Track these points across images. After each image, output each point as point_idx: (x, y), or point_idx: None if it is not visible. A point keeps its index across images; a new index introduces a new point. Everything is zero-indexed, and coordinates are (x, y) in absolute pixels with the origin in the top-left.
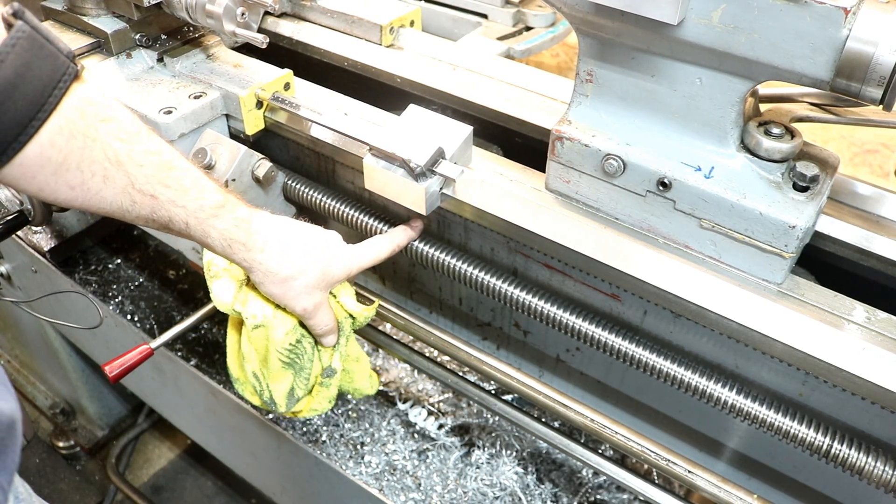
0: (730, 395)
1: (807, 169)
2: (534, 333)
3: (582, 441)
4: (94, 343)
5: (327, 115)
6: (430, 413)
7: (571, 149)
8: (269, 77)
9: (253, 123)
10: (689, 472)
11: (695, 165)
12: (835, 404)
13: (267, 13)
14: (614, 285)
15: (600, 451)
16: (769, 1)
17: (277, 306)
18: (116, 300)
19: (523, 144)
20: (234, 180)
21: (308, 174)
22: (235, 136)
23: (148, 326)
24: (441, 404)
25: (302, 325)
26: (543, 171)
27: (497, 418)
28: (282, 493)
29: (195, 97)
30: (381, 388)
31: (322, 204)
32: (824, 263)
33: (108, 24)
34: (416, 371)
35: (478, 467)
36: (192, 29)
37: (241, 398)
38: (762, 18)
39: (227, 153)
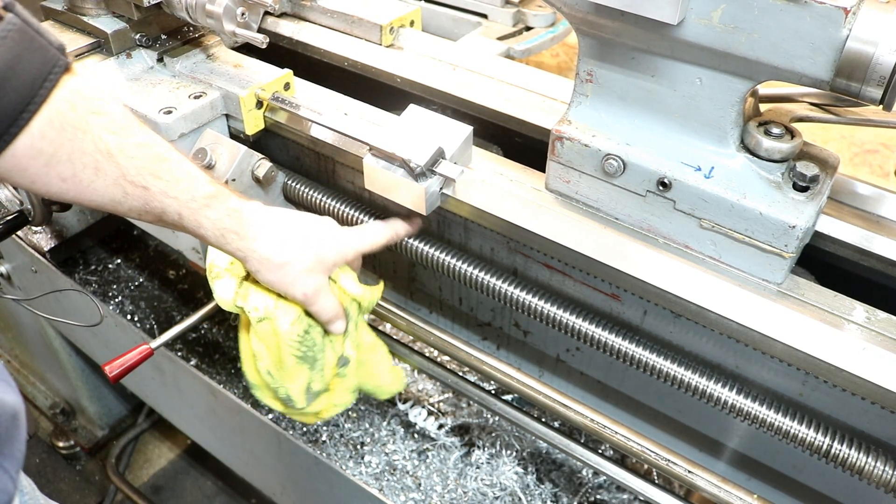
0: (730, 395)
1: (807, 169)
2: (534, 333)
3: (582, 441)
4: (94, 343)
5: (327, 115)
6: (430, 413)
7: (571, 149)
8: (269, 77)
9: (253, 123)
10: (689, 472)
11: (695, 165)
12: (835, 404)
13: (267, 13)
14: (614, 285)
15: (600, 451)
16: (769, 1)
17: (279, 297)
18: (116, 300)
19: (523, 144)
20: (234, 180)
21: (308, 174)
22: (235, 136)
23: (148, 326)
24: (441, 404)
25: (308, 314)
26: (543, 171)
27: (497, 418)
28: (282, 493)
29: (195, 97)
30: None
31: (322, 204)
32: (824, 263)
33: (108, 24)
34: (416, 371)
35: (478, 467)
36: (192, 29)
37: (240, 398)
38: (762, 18)
39: (227, 153)
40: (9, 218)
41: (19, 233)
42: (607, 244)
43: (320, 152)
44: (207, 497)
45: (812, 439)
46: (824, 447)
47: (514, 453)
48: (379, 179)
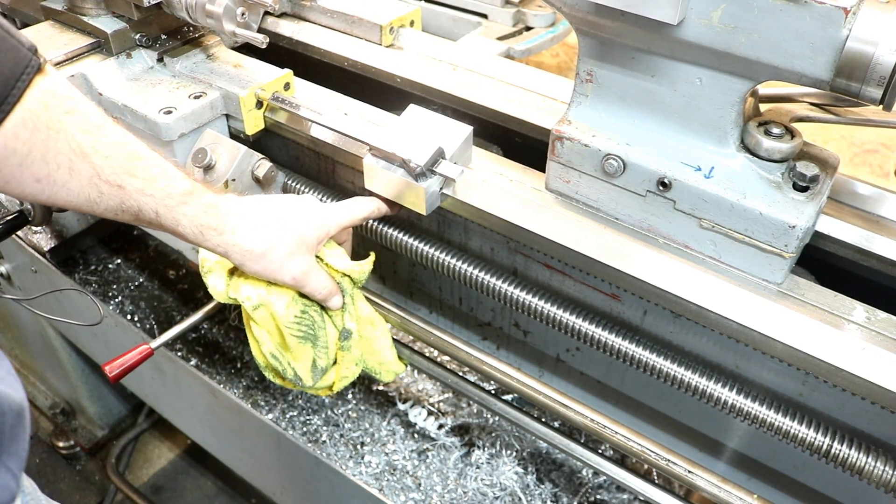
0: (730, 395)
1: (807, 169)
2: (534, 333)
3: (582, 441)
4: (94, 343)
5: (327, 115)
6: (430, 413)
7: (571, 149)
8: (269, 77)
9: (253, 123)
10: (689, 472)
11: (695, 165)
12: (835, 404)
13: (267, 13)
14: (614, 285)
15: (600, 451)
16: (769, 1)
17: (269, 283)
18: (116, 300)
19: (523, 144)
20: (234, 180)
21: (308, 174)
22: (235, 136)
23: (148, 326)
24: (441, 404)
25: (302, 295)
26: (543, 171)
27: (497, 418)
28: (282, 493)
29: (195, 97)
30: (381, 388)
31: None
32: (824, 263)
33: (108, 24)
34: (416, 371)
35: (478, 467)
36: (192, 29)
37: (240, 398)
38: (762, 18)
39: (227, 153)
40: (9, 218)
41: (19, 233)
42: (607, 244)
43: (320, 152)
44: (207, 497)
45: (812, 439)
46: (824, 447)
47: (514, 453)
48: (379, 179)
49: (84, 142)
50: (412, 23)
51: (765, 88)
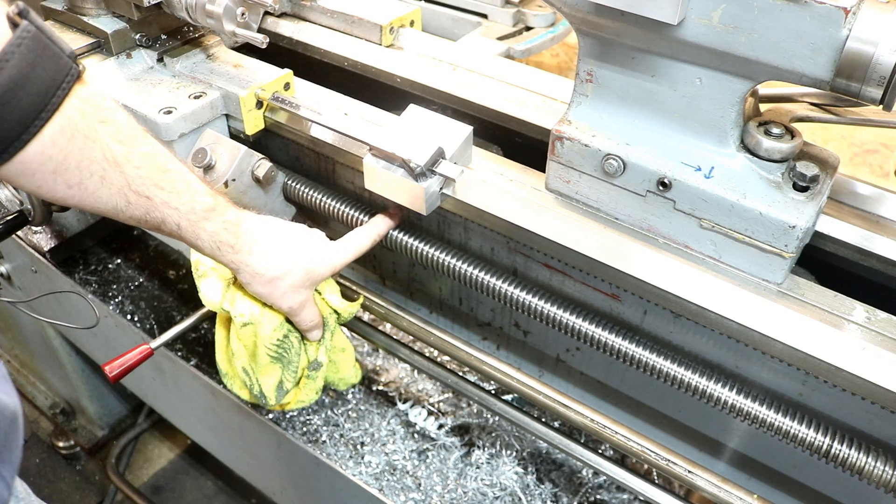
0: (730, 395)
1: (807, 169)
2: (534, 333)
3: (582, 441)
4: (94, 343)
5: (327, 115)
6: (430, 413)
7: (571, 149)
8: (269, 77)
9: (253, 123)
10: (689, 472)
11: (695, 165)
12: (835, 404)
13: (267, 13)
14: (614, 285)
15: (600, 451)
16: (769, 1)
17: (264, 304)
18: (116, 300)
19: (523, 144)
20: (234, 180)
21: (308, 174)
22: (235, 136)
23: (148, 326)
24: (441, 404)
25: (288, 321)
26: (543, 171)
27: (497, 418)
28: (282, 493)
29: (195, 97)
30: (381, 388)
31: (322, 204)
32: (824, 263)
33: (108, 24)
34: (416, 371)
35: (478, 467)
36: (192, 29)
37: (240, 398)
38: (762, 18)
39: (227, 153)
40: (9, 218)
41: (19, 233)
42: (607, 244)
43: (320, 152)
44: (207, 497)
45: (812, 439)
46: (824, 447)
47: (514, 453)
48: (379, 179)
49: (118, 152)
50: (412, 23)
51: (765, 88)
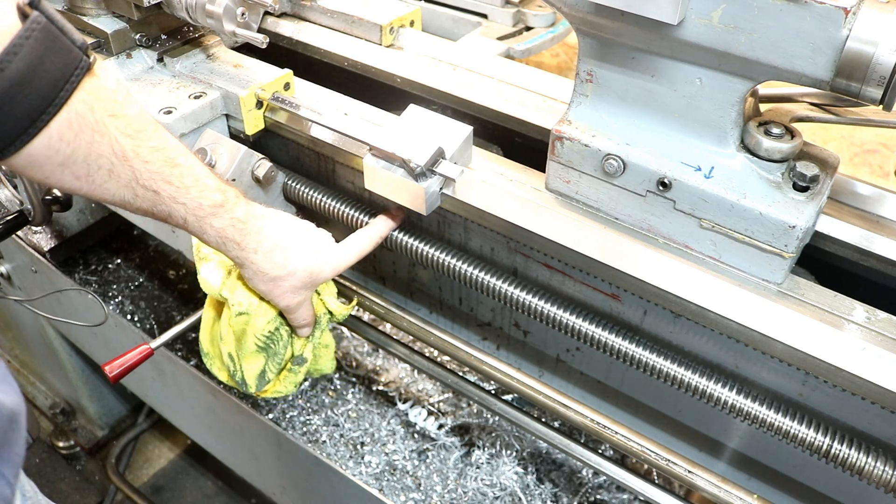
0: (730, 395)
1: (807, 169)
2: (534, 333)
3: (582, 441)
4: (94, 343)
5: (327, 115)
6: (430, 413)
7: (571, 149)
8: (269, 77)
9: (253, 123)
10: (689, 472)
11: (695, 165)
12: (835, 404)
13: (267, 13)
14: (614, 285)
15: (600, 451)
16: (769, 1)
17: (262, 298)
18: (116, 300)
19: (523, 144)
20: (234, 180)
21: (308, 174)
22: (235, 136)
23: (148, 326)
24: (441, 404)
25: (282, 314)
26: (543, 171)
27: (497, 418)
28: (282, 493)
29: (195, 97)
30: (381, 388)
31: (322, 204)
32: (824, 263)
33: (108, 24)
34: (416, 371)
35: (478, 467)
36: (192, 29)
37: (240, 398)
38: (762, 18)
39: (227, 153)
40: (9, 218)
41: (19, 233)
42: (607, 244)
43: (320, 152)
44: (207, 497)
45: (812, 439)
46: (824, 447)
47: (514, 453)
48: (379, 179)
49: (126, 145)
50: (412, 23)
51: (765, 88)
